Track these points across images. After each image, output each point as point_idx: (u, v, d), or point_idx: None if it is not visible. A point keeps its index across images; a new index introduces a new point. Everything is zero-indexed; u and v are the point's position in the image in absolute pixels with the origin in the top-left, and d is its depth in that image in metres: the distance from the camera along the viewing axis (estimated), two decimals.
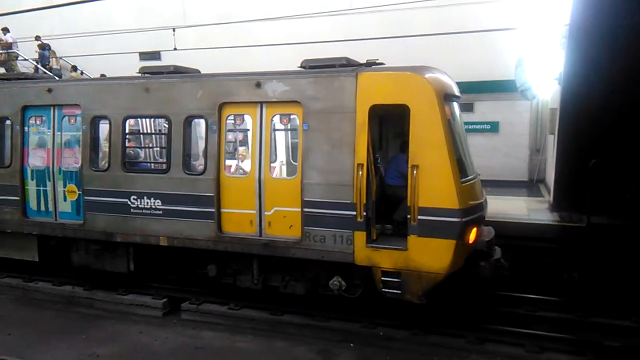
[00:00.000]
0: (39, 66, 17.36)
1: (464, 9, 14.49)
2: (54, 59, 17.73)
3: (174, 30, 13.81)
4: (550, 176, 12.32)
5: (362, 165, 7.40)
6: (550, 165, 13.63)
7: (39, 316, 9.19)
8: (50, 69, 17.51)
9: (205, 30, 14.70)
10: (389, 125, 9.22)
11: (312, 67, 8.12)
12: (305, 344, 7.90)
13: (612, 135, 9.26)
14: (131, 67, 10.91)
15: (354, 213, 7.47)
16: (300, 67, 8.29)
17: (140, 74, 9.35)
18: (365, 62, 8.09)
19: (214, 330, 8.47)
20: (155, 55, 17.25)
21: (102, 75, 12.70)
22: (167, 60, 16.47)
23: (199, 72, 9.35)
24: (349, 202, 7.48)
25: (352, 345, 7.88)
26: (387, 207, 8.20)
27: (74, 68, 17.65)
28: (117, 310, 9.31)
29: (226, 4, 17.29)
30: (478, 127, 16.39)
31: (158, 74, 9.11)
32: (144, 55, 17.42)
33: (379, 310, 8.26)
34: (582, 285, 9.11)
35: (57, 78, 16.43)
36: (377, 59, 8.09)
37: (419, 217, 7.17)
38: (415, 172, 7.18)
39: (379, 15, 14.84)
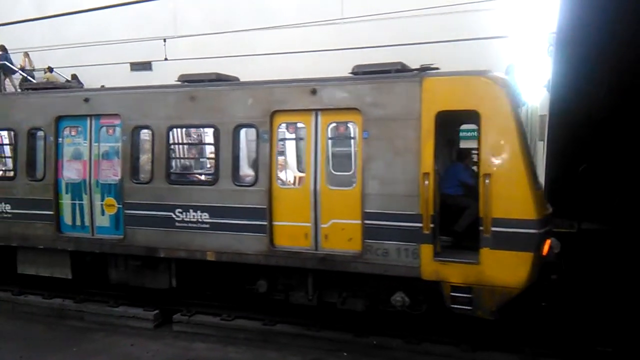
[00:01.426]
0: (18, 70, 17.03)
1: (457, 17, 14.59)
2: (26, 58, 17.46)
3: (164, 40, 13.82)
4: (540, 182, 12.37)
5: (429, 174, 7.06)
6: (540, 171, 13.69)
7: (29, 330, 9.09)
8: (22, 69, 17.24)
9: (198, 39, 14.71)
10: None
11: (366, 72, 7.79)
12: (299, 354, 7.85)
13: (600, 140, 9.33)
14: (122, 77, 10.89)
15: (420, 225, 7.10)
16: (352, 73, 7.99)
17: (180, 82, 9.02)
18: (419, 66, 7.77)
19: (206, 341, 8.40)
20: (147, 65, 17.24)
21: (102, 86, 12.62)
22: (158, 70, 16.49)
23: (238, 79, 9.05)
24: (415, 213, 7.12)
25: (345, 354, 7.84)
26: (445, 218, 7.71)
27: (50, 69, 17.46)
28: (108, 322, 9.22)
29: (218, 14, 17.31)
30: (468, 133, 16.47)
31: (200, 82, 8.75)
32: (135, 66, 17.41)
33: (372, 319, 8.23)
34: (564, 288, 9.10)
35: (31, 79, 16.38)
36: (432, 64, 7.78)
37: (493, 228, 6.78)
38: (487, 181, 6.81)
39: (372, 23, 14.91)
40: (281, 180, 8.30)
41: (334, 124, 7.92)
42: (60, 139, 9.38)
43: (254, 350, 8.02)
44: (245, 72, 10.00)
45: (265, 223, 7.93)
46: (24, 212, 9.53)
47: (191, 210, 8.37)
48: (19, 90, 15.43)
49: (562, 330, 7.92)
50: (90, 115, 9.18)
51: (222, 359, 7.83)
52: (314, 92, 7.73)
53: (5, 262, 10.12)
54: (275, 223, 7.96)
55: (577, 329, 7.94)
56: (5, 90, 15.90)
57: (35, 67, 17.45)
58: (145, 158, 9.12)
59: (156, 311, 9.20)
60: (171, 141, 8.89)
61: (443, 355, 7.58)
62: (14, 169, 9.78)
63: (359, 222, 7.46)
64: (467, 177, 7.89)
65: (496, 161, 6.87)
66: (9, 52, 16.60)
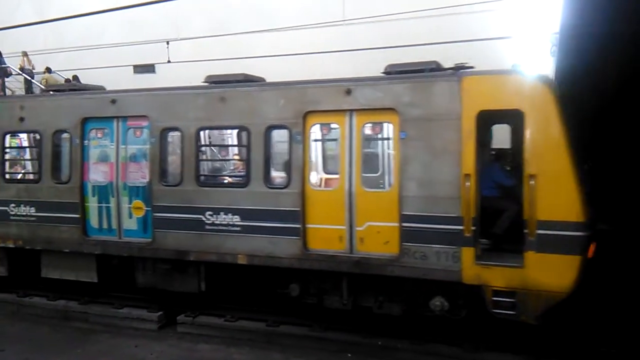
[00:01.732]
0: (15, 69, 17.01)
1: (460, 19, 14.59)
2: (25, 58, 17.49)
3: (167, 43, 13.85)
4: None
5: (470, 175, 6.90)
6: None
7: (33, 331, 9.11)
8: (22, 69, 17.26)
9: (200, 42, 14.75)
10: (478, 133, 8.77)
11: (400, 72, 7.67)
12: (303, 356, 7.85)
13: (604, 139, 9.34)
14: (125, 80, 10.91)
15: (461, 227, 6.94)
16: (385, 72, 7.86)
17: (207, 83, 8.84)
18: (453, 65, 7.63)
19: (210, 343, 8.41)
20: (150, 68, 17.27)
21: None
22: (161, 73, 16.53)
23: (264, 80, 8.94)
24: (455, 215, 6.96)
25: (349, 355, 7.84)
26: (481, 220, 7.46)
27: (48, 70, 17.49)
28: (112, 324, 9.23)
29: (221, 16, 17.36)
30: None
31: (227, 83, 8.62)
32: (138, 69, 17.45)
33: (377, 320, 8.23)
34: None
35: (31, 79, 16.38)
36: (466, 62, 7.63)
37: (538, 231, 6.61)
38: (532, 182, 6.63)
39: (374, 25, 14.92)
40: (314, 182, 8.21)
41: (370, 125, 7.79)
42: (86, 141, 9.25)
43: (258, 352, 8.02)
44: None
45: (298, 226, 7.79)
46: (49, 215, 9.41)
47: (222, 213, 8.24)
48: (9, 92, 15.44)
49: (566, 331, 7.92)
50: (117, 117, 9.05)
51: None
52: (348, 92, 7.60)
53: (28, 265, 10.02)
54: (308, 226, 7.82)
55: (581, 330, 7.94)
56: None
57: (35, 68, 17.46)
58: (174, 160, 8.99)
59: (160, 312, 9.21)
60: (201, 143, 8.74)
61: (447, 356, 7.57)
62: (39, 172, 9.67)
63: (396, 224, 7.32)
64: (504, 178, 7.78)
65: (542, 161, 6.69)
66: (2, 54, 16.58)
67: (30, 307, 10.01)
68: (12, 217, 9.70)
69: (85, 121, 9.21)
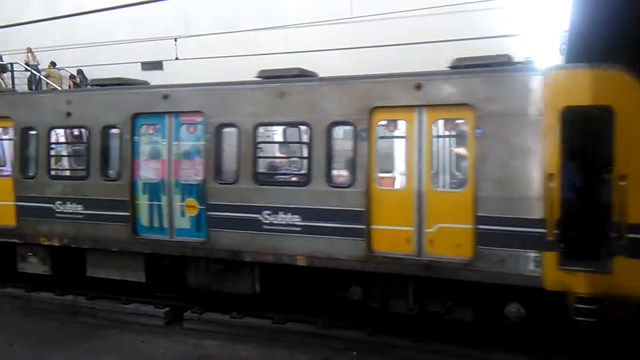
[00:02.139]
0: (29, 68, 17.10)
1: (468, 16, 14.52)
2: (30, 54, 17.59)
3: (175, 40, 13.89)
4: None
5: (553, 175, 6.53)
6: None
7: (41, 326, 9.19)
8: (27, 64, 17.37)
9: (208, 39, 14.77)
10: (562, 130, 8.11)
11: (470, 65, 7.33)
12: (308, 352, 7.87)
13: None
14: (133, 77, 10.92)
15: (543, 231, 6.57)
16: (452, 67, 7.54)
17: (260, 78, 8.49)
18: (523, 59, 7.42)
19: (216, 339, 8.45)
20: (157, 65, 17.33)
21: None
22: (169, 70, 16.58)
23: (317, 75, 8.65)
24: (537, 217, 6.60)
25: (355, 353, 7.85)
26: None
27: (52, 64, 17.58)
28: (119, 319, 9.29)
29: (229, 13, 17.38)
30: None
31: (282, 77, 8.27)
32: (146, 65, 17.51)
33: (381, 318, 8.24)
34: None
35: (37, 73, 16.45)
36: (529, 57, 7.43)
37: (629, 235, 6.25)
38: (623, 182, 6.26)
39: (382, 22, 14.88)
40: (380, 181, 7.87)
41: (441, 121, 7.51)
42: (136, 137, 9.00)
43: (264, 349, 8.05)
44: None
45: (363, 227, 7.49)
46: (97, 213, 9.21)
47: (281, 213, 7.96)
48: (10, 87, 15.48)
49: (573, 333, 7.87)
50: (170, 113, 8.81)
51: (231, 356, 7.87)
52: (418, 86, 7.25)
53: (72, 264, 9.91)
54: (373, 227, 7.51)
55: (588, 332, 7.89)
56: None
57: (40, 64, 17.57)
58: (230, 157, 8.67)
59: (167, 308, 9.27)
60: (259, 139, 8.37)
61: (452, 354, 7.56)
62: (87, 168, 9.41)
63: (470, 226, 6.98)
64: (578, 178, 7.37)
65: (635, 161, 6.34)
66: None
67: (38, 302, 10.11)
68: (57, 215, 9.50)
69: (135, 117, 8.97)
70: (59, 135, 10.30)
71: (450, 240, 7.16)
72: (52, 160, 9.95)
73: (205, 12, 17.77)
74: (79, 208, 9.36)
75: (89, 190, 9.31)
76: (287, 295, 9.06)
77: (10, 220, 9.90)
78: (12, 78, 16.65)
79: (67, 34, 17.70)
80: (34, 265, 10.10)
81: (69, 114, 9.51)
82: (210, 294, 9.21)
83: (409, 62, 9.26)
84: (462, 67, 7.40)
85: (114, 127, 9.21)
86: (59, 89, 16.46)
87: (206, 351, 8.05)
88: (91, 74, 17.71)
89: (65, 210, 9.46)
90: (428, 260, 7.25)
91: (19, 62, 16.80)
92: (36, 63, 17.44)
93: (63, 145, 10.71)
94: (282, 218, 7.97)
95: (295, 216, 7.89)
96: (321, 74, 8.57)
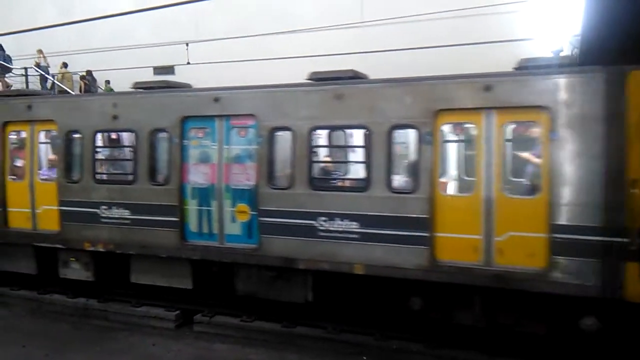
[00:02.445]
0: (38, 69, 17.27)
1: (482, 20, 14.49)
2: (41, 56, 17.79)
3: (187, 44, 14.00)
4: None
5: (637, 181, 6.21)
6: None
7: (53, 328, 9.26)
8: (38, 66, 17.57)
9: (219, 44, 14.87)
10: None
11: (539, 66, 7.09)
12: (318, 357, 7.86)
13: None
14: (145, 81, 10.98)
15: (626, 240, 6.26)
16: (517, 67, 7.32)
17: (313, 80, 8.24)
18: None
19: (226, 342, 8.46)
20: (169, 69, 17.48)
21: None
22: (181, 74, 16.71)
23: (368, 77, 8.48)
24: (619, 226, 6.29)
25: (364, 358, 7.81)
26: None
27: (64, 65, 17.77)
28: (130, 322, 9.34)
29: (241, 18, 17.50)
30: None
31: (336, 79, 7.98)
32: (158, 70, 17.67)
33: (392, 323, 8.19)
34: None
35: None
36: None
37: None
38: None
39: (395, 26, 14.88)
40: (445, 186, 7.65)
41: (513, 124, 7.29)
42: (185, 141, 8.78)
43: (273, 352, 8.04)
44: (270, 76, 10.07)
45: (426, 234, 7.19)
46: (144, 218, 8.99)
47: (337, 219, 7.68)
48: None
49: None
50: (220, 116, 8.56)
51: None
52: (488, 88, 6.96)
53: (115, 271, 9.73)
54: (437, 234, 7.21)
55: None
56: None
57: (50, 66, 17.78)
58: (284, 162, 8.42)
59: (177, 312, 9.30)
60: (314, 143, 8.12)
61: None
62: (134, 172, 9.20)
63: (545, 235, 6.65)
64: None
65: None
66: (4, 49, 16.88)
67: (50, 304, 10.18)
68: (102, 220, 9.31)
69: (185, 120, 8.76)
70: (105, 138, 10.22)
71: (522, 249, 6.83)
72: (98, 164, 9.80)
73: (217, 16, 17.90)
74: (125, 213, 9.15)
75: (136, 195, 9.10)
76: (341, 305, 8.63)
77: (53, 225, 9.78)
78: (27, 82, 16.87)
79: (81, 38, 17.93)
80: (76, 271, 9.90)
81: (115, 117, 9.32)
82: (219, 297, 9.23)
83: (424, 66, 9.25)
84: (531, 67, 7.12)
85: (162, 130, 8.95)
86: (70, 91, 16.69)
87: (216, 354, 8.06)
88: (104, 77, 17.94)
89: (110, 216, 9.26)
90: (498, 271, 6.92)
91: (32, 67, 17.03)
92: (46, 65, 17.66)
93: (109, 148, 10.57)
94: (340, 225, 7.72)
95: (353, 223, 7.63)
96: None
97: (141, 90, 9.67)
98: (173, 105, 8.93)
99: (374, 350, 7.92)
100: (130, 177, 9.34)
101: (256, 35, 15.12)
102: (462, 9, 13.28)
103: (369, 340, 8.06)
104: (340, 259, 7.73)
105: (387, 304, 8.11)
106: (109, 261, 9.73)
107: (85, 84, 17.53)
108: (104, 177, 9.99)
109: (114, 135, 10.51)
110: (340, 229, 7.71)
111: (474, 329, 7.65)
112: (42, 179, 10.06)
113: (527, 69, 7.14)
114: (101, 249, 9.43)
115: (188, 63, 14.03)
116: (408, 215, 7.32)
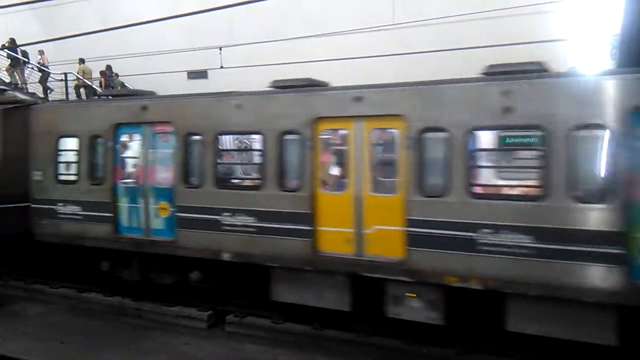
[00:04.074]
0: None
1: (516, 21, 14.26)
2: (41, 56, 18.17)
3: (220, 49, 14.23)
4: None
5: None
6: None
7: (90, 325, 9.53)
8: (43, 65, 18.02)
9: (252, 48, 15.06)
10: None
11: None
12: None
13: None
14: (179, 85, 11.21)
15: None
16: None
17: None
18: None
19: (257, 343, 8.54)
20: (203, 74, 17.79)
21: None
22: (214, 79, 17.00)
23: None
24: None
25: None
26: None
27: (81, 60, 18.26)
28: (163, 321, 9.52)
29: (273, 22, 17.69)
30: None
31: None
32: (192, 74, 18.02)
33: (422, 328, 8.12)
34: None
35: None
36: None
37: None
38: None
39: (429, 28, 14.78)
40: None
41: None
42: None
43: (303, 355, 8.08)
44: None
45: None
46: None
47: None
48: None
49: None
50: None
51: None
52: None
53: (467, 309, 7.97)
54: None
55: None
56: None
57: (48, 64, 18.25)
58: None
59: (209, 312, 9.43)
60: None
61: None
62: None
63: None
64: None
65: None
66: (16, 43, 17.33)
67: (87, 302, 10.48)
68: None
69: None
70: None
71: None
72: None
73: (249, 21, 18.13)
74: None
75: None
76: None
77: (394, 252, 7.77)
78: (66, 87, 17.41)
79: (118, 44, 18.43)
80: (416, 311, 7.84)
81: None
82: (250, 298, 9.33)
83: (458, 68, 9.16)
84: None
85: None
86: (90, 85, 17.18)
87: (247, 355, 8.16)
88: (137, 83, 18.38)
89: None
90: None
91: (72, 72, 17.59)
92: (47, 64, 18.20)
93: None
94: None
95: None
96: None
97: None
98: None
99: (403, 354, 7.87)
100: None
101: (288, 39, 15.23)
102: (498, 9, 13.07)
103: (399, 344, 8.01)
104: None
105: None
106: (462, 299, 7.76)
107: (105, 79, 18.32)
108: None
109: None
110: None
111: (509, 334, 7.50)
112: (375, 193, 8.04)
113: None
114: (476, 286, 7.28)
115: (221, 67, 14.26)
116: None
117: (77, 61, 18.09)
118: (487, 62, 7.77)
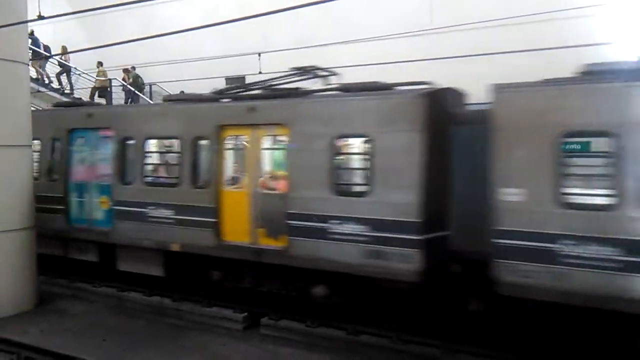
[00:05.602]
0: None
1: (557, 24, 14.00)
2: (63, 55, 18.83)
3: (259, 55, 14.48)
4: None
5: None
6: None
7: (130, 324, 9.78)
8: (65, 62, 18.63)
9: (289, 53, 15.24)
10: None
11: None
12: None
13: None
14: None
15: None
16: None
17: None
18: None
19: (292, 346, 8.60)
20: (241, 79, 18.11)
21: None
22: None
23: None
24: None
25: None
26: None
27: (100, 63, 18.85)
28: (201, 321, 9.69)
29: (307, 28, 17.86)
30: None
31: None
32: (230, 80, 18.36)
33: (457, 334, 8.03)
34: None
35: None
36: None
37: None
38: None
39: (463, 33, 14.64)
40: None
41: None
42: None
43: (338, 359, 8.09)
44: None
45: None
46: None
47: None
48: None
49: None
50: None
51: None
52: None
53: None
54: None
55: None
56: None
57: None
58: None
59: (245, 313, 9.55)
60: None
61: None
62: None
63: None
64: None
65: None
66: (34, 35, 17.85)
67: (128, 302, 10.77)
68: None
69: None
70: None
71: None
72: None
73: (284, 27, 18.35)
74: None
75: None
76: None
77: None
78: (110, 92, 18.04)
79: (159, 50, 18.96)
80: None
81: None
82: (287, 300, 9.41)
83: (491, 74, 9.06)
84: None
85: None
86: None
87: (282, 358, 8.22)
88: (178, 88, 18.82)
89: None
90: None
91: (117, 78, 18.21)
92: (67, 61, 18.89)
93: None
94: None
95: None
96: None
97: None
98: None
99: None
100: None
101: (323, 45, 15.34)
102: (537, 14, 12.87)
103: (435, 352, 7.93)
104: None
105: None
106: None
107: (127, 76, 19.41)
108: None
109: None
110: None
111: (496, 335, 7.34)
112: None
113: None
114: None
115: (260, 72, 14.50)
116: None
117: (97, 64, 18.83)
118: (529, 66, 7.66)
